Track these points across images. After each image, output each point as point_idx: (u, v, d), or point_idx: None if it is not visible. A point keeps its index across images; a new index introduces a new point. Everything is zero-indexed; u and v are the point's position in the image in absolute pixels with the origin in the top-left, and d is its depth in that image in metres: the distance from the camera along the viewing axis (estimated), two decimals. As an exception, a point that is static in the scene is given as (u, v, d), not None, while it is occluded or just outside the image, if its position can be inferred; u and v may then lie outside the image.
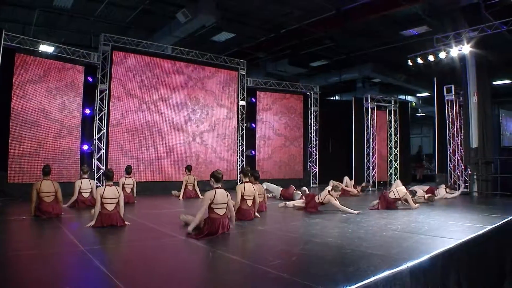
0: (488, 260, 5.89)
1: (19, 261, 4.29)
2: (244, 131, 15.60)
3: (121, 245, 5.35)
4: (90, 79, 12.49)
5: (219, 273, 4.06)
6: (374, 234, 5.83)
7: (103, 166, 12.30)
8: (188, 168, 11.77)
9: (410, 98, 26.50)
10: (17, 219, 6.95)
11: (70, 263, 4.37)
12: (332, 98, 25.80)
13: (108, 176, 6.56)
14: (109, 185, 6.38)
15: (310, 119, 17.24)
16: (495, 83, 17.03)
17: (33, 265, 4.10)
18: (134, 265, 4.18)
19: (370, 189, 14.89)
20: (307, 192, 10.26)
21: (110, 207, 6.25)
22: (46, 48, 11.72)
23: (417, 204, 9.03)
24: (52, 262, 4.35)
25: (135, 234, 5.91)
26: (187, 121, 14.16)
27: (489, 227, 6.20)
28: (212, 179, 5.85)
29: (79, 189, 8.79)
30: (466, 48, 12.10)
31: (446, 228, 6.42)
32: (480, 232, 5.85)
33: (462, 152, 13.62)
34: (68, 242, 5.20)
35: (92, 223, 6.11)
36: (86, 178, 8.98)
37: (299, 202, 9.10)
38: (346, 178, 13.18)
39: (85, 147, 12.27)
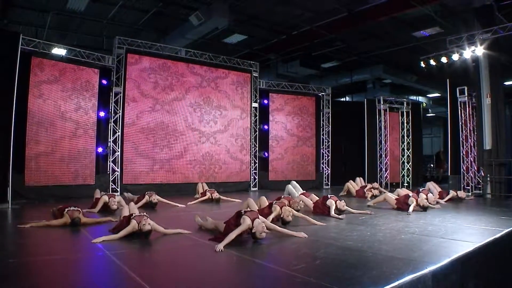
0: (506, 264, 5.92)
1: (47, 266, 4.36)
2: (257, 132, 15.68)
3: (145, 249, 5.41)
4: (104, 81, 12.62)
5: (246, 278, 4.11)
6: (393, 237, 5.88)
7: (118, 168, 12.44)
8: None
9: (420, 98, 26.46)
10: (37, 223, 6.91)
11: (98, 268, 4.46)
12: (342, 99, 25.81)
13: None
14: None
15: (322, 120, 17.27)
16: (507, 83, 16.96)
17: (62, 270, 4.20)
18: (162, 270, 4.24)
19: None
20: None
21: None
22: (61, 51, 11.87)
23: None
24: (80, 267, 4.45)
25: (157, 237, 5.98)
26: (200, 121, 14.28)
27: (506, 230, 6.22)
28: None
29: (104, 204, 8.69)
30: (479, 50, 12.10)
31: (463, 231, 6.46)
32: (498, 235, 5.88)
33: (476, 154, 13.60)
34: (91, 247, 5.29)
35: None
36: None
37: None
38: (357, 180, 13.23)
39: (100, 149, 12.41)
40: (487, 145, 12.57)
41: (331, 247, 5.12)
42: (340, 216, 7.76)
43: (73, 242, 5.89)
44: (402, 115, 17.60)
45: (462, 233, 6.21)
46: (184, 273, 4.16)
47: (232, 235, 5.19)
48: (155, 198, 9.44)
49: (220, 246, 4.98)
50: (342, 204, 8.15)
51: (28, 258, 4.68)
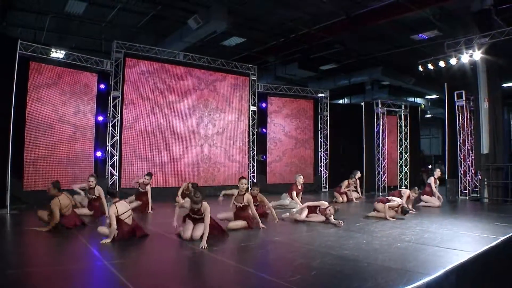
0: (501, 272, 5.93)
1: (46, 277, 4.38)
2: (255, 136, 15.68)
3: (142, 259, 5.44)
4: (102, 85, 12.62)
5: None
6: (389, 245, 5.91)
7: (116, 172, 12.46)
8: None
9: (419, 100, 26.47)
10: (36, 231, 6.80)
11: (97, 279, 4.49)
12: (340, 101, 25.84)
13: (114, 194, 6.61)
14: (116, 201, 6.32)
15: (321, 123, 17.24)
16: (505, 85, 16.96)
17: (60, 282, 4.22)
18: (158, 280, 4.27)
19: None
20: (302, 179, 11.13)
21: (129, 221, 6.29)
22: (59, 55, 11.87)
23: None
24: (79, 278, 4.45)
25: (154, 245, 6.00)
26: (199, 124, 14.30)
27: (502, 238, 6.25)
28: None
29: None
30: (477, 54, 12.11)
31: (459, 239, 6.50)
32: (493, 243, 5.90)
33: (473, 157, 13.63)
34: (90, 256, 5.30)
35: (109, 240, 5.98)
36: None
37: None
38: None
39: (99, 153, 12.41)
40: (485, 149, 12.61)
41: (327, 257, 5.14)
42: (334, 222, 7.83)
43: (72, 252, 5.89)
44: (400, 118, 17.61)
45: (458, 241, 6.25)
46: (180, 284, 4.19)
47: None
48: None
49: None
50: (332, 211, 8.25)
51: (27, 269, 4.69)
